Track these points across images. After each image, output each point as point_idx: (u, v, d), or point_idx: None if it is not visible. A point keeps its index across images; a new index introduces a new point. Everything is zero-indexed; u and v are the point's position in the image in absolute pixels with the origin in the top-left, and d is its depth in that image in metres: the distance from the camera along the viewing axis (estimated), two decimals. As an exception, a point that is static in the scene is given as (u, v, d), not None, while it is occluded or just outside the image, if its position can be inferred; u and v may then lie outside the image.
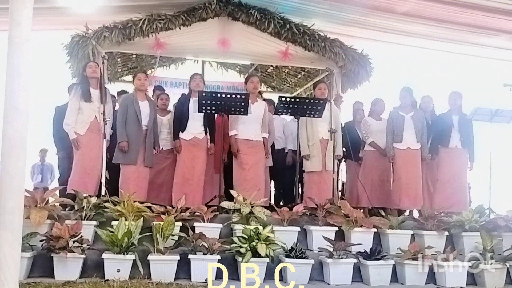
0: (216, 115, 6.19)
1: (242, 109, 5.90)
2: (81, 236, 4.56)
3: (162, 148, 6.42)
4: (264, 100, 7.07)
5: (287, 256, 4.79)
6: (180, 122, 6.20)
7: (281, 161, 7.17)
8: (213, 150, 6.24)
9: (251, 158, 6.17)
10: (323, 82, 6.92)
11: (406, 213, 6.66)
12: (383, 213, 5.90)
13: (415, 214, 6.66)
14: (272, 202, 7.21)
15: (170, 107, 7.04)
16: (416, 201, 6.37)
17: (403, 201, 6.35)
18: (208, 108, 5.89)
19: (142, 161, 6.03)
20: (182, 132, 6.16)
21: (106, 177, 6.20)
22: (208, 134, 6.26)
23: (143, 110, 6.11)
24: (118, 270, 4.40)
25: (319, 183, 6.30)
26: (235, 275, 4.76)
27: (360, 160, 7.11)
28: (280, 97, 6.19)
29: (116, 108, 6.54)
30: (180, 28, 7.80)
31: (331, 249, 4.84)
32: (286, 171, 7.07)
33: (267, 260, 4.66)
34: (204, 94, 5.87)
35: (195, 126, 6.18)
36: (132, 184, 5.86)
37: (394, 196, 6.44)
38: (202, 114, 6.07)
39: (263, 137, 6.33)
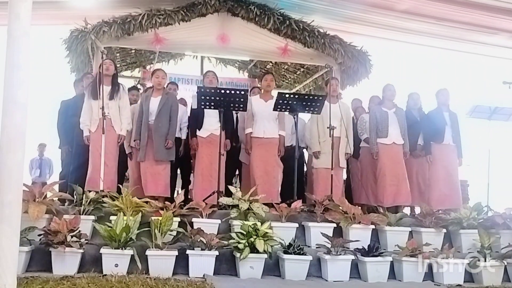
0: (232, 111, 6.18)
1: (241, 105, 5.91)
2: (79, 231, 4.54)
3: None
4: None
5: (285, 252, 4.79)
6: (196, 120, 6.23)
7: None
8: (228, 146, 6.27)
9: (261, 155, 6.22)
10: (335, 78, 6.89)
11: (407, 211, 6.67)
12: (381, 210, 5.91)
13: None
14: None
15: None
16: (403, 197, 6.39)
17: (386, 198, 6.36)
18: (207, 104, 5.88)
19: (151, 156, 6.06)
20: (199, 130, 6.19)
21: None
22: (224, 130, 6.19)
23: (152, 107, 6.16)
24: (116, 265, 4.39)
25: (326, 179, 6.31)
26: (233, 270, 4.76)
27: (358, 157, 7.13)
28: (279, 93, 6.18)
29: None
30: (179, 24, 7.78)
31: (329, 246, 4.85)
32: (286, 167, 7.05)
33: (265, 256, 4.66)
34: (203, 90, 5.87)
35: (211, 123, 6.19)
36: (142, 179, 5.97)
37: (378, 193, 6.44)
38: (217, 110, 6.05)
39: (279, 135, 6.35)
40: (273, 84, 6.72)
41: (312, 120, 6.42)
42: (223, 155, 6.12)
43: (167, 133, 6.14)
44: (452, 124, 6.67)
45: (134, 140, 6.18)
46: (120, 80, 9.58)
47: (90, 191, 5.29)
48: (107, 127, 5.90)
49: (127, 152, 6.47)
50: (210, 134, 6.20)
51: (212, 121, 6.19)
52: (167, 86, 7.41)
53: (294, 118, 6.52)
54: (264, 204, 5.38)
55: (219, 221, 5.18)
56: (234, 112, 6.47)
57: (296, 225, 5.31)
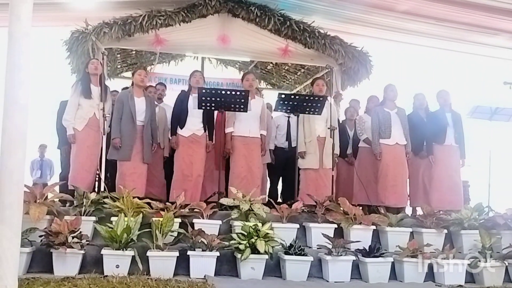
0: (216, 112, 6.19)
1: (242, 106, 5.91)
2: (80, 232, 4.55)
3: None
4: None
5: (286, 253, 4.79)
6: (179, 118, 6.20)
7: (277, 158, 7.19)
8: (211, 148, 6.23)
9: (246, 155, 6.19)
10: (321, 78, 6.92)
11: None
12: (382, 211, 5.90)
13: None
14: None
15: (168, 101, 7.05)
16: (402, 198, 6.39)
17: (389, 198, 6.34)
18: (208, 104, 5.88)
19: (139, 157, 6.03)
20: (181, 128, 6.16)
21: (106, 174, 6.22)
22: (207, 131, 6.26)
23: (138, 107, 6.10)
24: (117, 266, 4.39)
25: (315, 180, 6.30)
26: (234, 271, 4.77)
27: (347, 158, 7.22)
28: (280, 94, 6.18)
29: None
30: (180, 25, 7.79)
31: (330, 246, 4.85)
32: (285, 168, 7.07)
33: (266, 256, 4.66)
34: (204, 91, 5.87)
35: (194, 122, 6.18)
36: (128, 180, 5.87)
37: (380, 193, 6.42)
38: (201, 111, 6.07)
39: (261, 134, 6.32)
40: (256, 83, 6.70)
41: (299, 120, 6.35)
42: (225, 156, 6.15)
43: (153, 137, 6.22)
44: (455, 124, 6.65)
45: (114, 138, 6.01)
46: (121, 81, 9.67)
47: (90, 192, 5.30)
48: (94, 128, 5.97)
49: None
50: (192, 134, 6.16)
51: (195, 121, 6.18)
52: (155, 86, 7.44)
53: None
54: (264, 205, 5.38)
55: (220, 222, 5.18)
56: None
57: (297, 225, 5.30)
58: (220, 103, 5.85)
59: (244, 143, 6.21)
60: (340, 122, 7.14)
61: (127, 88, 7.43)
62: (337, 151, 6.49)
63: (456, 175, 6.62)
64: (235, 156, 6.20)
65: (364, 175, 6.77)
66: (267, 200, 5.99)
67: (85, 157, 5.90)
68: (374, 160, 6.56)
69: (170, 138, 6.32)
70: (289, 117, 7.04)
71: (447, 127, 6.60)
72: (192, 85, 6.27)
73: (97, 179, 6.01)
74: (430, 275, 4.98)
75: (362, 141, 6.93)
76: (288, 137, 7.15)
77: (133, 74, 6.39)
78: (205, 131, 6.22)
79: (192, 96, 6.12)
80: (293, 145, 6.99)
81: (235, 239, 4.73)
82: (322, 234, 4.96)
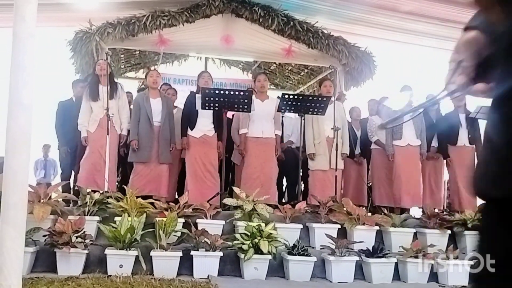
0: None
1: (245, 106, 5.90)
2: (84, 232, 4.56)
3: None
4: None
5: (290, 253, 4.79)
6: (189, 119, 6.20)
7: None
8: (221, 148, 6.24)
9: (259, 156, 6.18)
10: (329, 79, 6.92)
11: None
12: (385, 211, 5.90)
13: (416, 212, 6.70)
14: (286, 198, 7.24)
15: (176, 102, 7.05)
16: (415, 199, 6.38)
17: (403, 199, 6.36)
18: (211, 104, 5.87)
19: (156, 158, 6.04)
20: (192, 129, 6.16)
21: (119, 173, 6.24)
22: (217, 132, 6.22)
23: (154, 108, 6.12)
24: (121, 266, 4.40)
25: (323, 181, 6.30)
26: (237, 271, 4.77)
27: (355, 158, 7.21)
28: (284, 94, 6.18)
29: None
30: (183, 25, 7.82)
31: (333, 247, 4.84)
32: (290, 168, 7.06)
33: (269, 257, 4.67)
34: (207, 91, 5.87)
35: (205, 123, 6.16)
36: (145, 181, 5.90)
37: (395, 194, 6.45)
38: (211, 111, 6.05)
39: (275, 134, 6.32)
40: (267, 84, 6.68)
41: (307, 121, 6.36)
42: (227, 156, 6.14)
43: (171, 137, 6.20)
44: (469, 125, 6.65)
45: (132, 140, 6.05)
46: (124, 81, 9.68)
47: (94, 192, 5.31)
48: (105, 127, 5.94)
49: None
50: (203, 135, 6.14)
51: (205, 121, 6.16)
52: (160, 87, 7.43)
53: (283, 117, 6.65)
54: (267, 205, 5.38)
55: (223, 222, 5.18)
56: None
57: (301, 226, 5.30)
58: (224, 103, 5.84)
59: (257, 144, 6.20)
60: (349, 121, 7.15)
61: (143, 89, 7.46)
62: (346, 150, 6.49)
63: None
64: (248, 157, 6.21)
65: (376, 176, 6.83)
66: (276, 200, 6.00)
67: (98, 157, 5.91)
68: (387, 161, 6.58)
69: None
70: (283, 116, 7.02)
71: (459, 128, 6.61)
72: (201, 86, 6.27)
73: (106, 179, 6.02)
74: (434, 275, 4.97)
75: (373, 143, 6.95)
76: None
77: (146, 76, 6.42)
78: (215, 131, 6.21)
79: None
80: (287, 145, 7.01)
81: (238, 239, 4.73)
82: (326, 234, 4.96)
